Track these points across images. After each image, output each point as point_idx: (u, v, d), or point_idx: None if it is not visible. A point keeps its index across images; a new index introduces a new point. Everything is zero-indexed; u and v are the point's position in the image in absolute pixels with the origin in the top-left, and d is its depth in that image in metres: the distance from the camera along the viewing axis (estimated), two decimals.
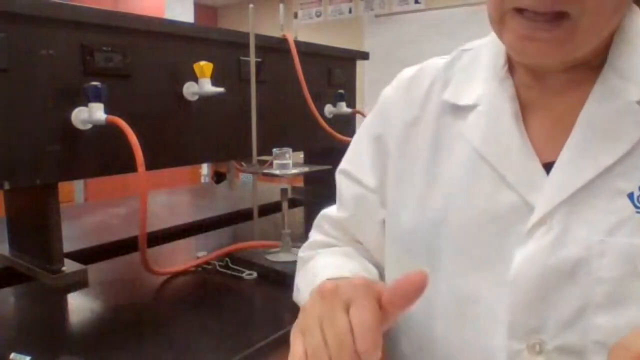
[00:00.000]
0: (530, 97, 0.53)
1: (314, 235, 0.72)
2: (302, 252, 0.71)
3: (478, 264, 0.51)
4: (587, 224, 0.46)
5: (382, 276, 0.64)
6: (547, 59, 0.47)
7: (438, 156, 0.56)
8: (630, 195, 0.45)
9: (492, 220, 0.50)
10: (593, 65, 0.50)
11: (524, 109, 0.53)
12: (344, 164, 0.68)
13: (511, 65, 0.55)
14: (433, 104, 0.58)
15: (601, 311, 0.45)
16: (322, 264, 0.62)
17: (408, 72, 0.64)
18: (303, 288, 0.63)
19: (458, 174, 0.54)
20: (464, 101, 0.55)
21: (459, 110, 0.56)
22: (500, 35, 0.49)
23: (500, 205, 0.50)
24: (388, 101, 0.64)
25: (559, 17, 0.44)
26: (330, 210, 0.70)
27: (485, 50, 0.58)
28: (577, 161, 0.48)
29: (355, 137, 0.69)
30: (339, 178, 0.68)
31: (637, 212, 0.45)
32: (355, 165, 0.66)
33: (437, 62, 0.62)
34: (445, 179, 0.55)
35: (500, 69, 0.54)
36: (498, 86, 0.54)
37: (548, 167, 0.49)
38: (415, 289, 0.40)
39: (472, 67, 0.58)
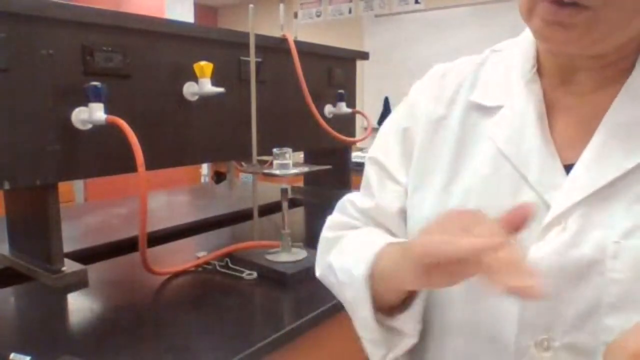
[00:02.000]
0: (558, 99, 0.54)
1: (338, 217, 0.70)
2: (327, 233, 0.68)
3: None
4: (603, 225, 0.46)
5: None
6: (569, 46, 0.47)
7: (462, 153, 0.57)
8: None
9: None
10: (623, 67, 0.50)
11: (551, 110, 0.53)
12: (373, 152, 0.68)
13: (540, 67, 0.56)
14: (460, 102, 0.59)
15: (612, 312, 0.45)
16: (368, 237, 0.60)
17: (439, 69, 0.65)
18: (351, 260, 0.58)
19: (480, 172, 0.54)
20: (491, 102, 0.56)
21: (485, 111, 0.57)
22: (529, 23, 0.50)
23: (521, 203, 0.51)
24: (417, 96, 0.65)
25: (580, 8, 0.44)
26: (355, 197, 0.69)
27: (515, 51, 0.58)
28: (597, 163, 0.48)
29: (383, 128, 0.69)
30: (368, 165, 0.68)
31: None
32: (384, 154, 0.66)
33: (468, 61, 0.63)
34: (467, 175, 0.56)
35: (529, 71, 0.55)
36: (525, 87, 0.54)
37: (569, 168, 0.50)
38: (524, 214, 0.43)
39: (501, 67, 0.58)
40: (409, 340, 0.55)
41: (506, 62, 0.58)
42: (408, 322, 0.53)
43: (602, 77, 0.51)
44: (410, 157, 0.63)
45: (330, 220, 0.70)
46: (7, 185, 0.94)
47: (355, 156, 3.44)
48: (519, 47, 0.58)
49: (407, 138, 0.64)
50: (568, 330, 0.47)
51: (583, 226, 0.47)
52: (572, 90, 0.53)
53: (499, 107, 0.56)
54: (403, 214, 0.63)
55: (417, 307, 0.53)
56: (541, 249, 0.48)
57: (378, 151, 0.67)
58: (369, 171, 0.68)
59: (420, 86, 0.66)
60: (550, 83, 0.54)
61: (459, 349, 0.54)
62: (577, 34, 0.45)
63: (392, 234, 0.64)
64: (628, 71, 0.50)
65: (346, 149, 1.84)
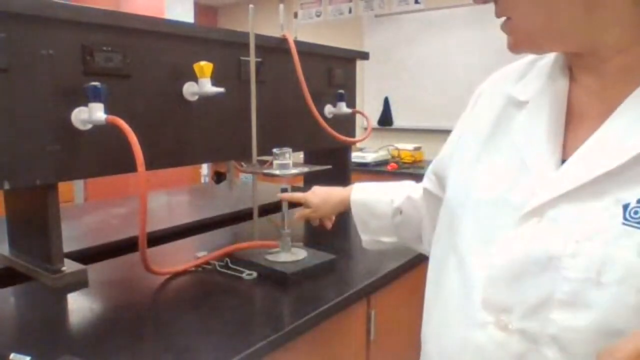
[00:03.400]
0: (582, 96, 0.56)
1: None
2: None
3: (484, 240, 0.55)
4: (571, 223, 0.48)
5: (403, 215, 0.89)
6: (520, 51, 0.55)
7: (490, 143, 0.61)
8: (626, 206, 0.46)
9: (506, 205, 0.54)
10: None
11: (573, 107, 0.56)
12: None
13: (572, 67, 0.58)
14: (503, 97, 0.63)
15: (560, 308, 0.48)
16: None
17: (500, 70, 0.70)
18: None
19: (497, 160, 0.59)
20: (522, 96, 0.60)
21: (517, 104, 0.60)
22: None
23: (516, 192, 0.54)
24: (472, 100, 0.70)
25: (507, 18, 0.53)
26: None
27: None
28: (584, 162, 0.49)
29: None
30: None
31: (624, 224, 0.45)
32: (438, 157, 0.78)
33: (525, 59, 0.66)
34: (487, 163, 0.60)
35: (559, 68, 0.58)
36: (551, 84, 0.58)
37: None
38: None
39: (545, 66, 0.61)
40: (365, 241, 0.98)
41: (550, 61, 0.61)
42: (363, 234, 0.97)
43: (620, 76, 0.51)
44: (452, 153, 0.70)
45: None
46: (7, 185, 0.94)
47: (355, 156, 3.45)
48: None
49: (454, 137, 0.71)
50: (522, 316, 0.50)
51: (554, 222, 0.49)
52: (594, 89, 0.54)
53: (526, 102, 0.59)
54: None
55: (360, 229, 0.96)
56: (514, 236, 0.51)
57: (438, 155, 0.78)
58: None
59: (479, 89, 0.71)
60: (577, 82, 0.57)
61: (444, 318, 0.60)
62: (514, 39, 0.53)
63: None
64: None
65: (346, 149, 1.84)
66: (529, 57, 0.65)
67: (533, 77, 0.61)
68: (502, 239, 0.52)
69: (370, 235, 0.96)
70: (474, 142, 0.63)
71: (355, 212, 0.97)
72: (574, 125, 0.55)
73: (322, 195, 1.04)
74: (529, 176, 0.53)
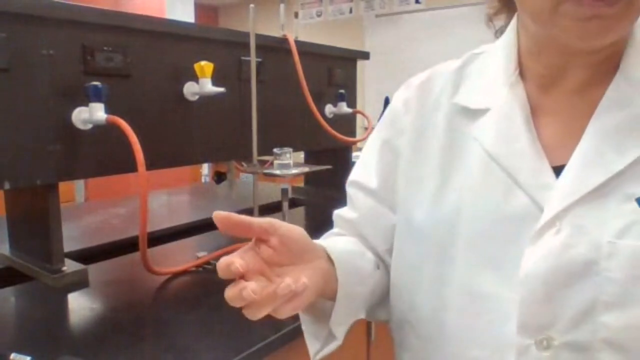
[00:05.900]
0: (541, 102, 0.54)
1: (332, 230, 0.72)
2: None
3: (489, 261, 0.52)
4: (596, 226, 0.47)
5: (383, 266, 0.65)
6: (607, 36, 0.47)
7: (450, 158, 0.57)
8: (639, 200, 0.46)
9: (504, 220, 0.51)
10: (608, 67, 0.51)
11: (534, 114, 0.54)
12: (354, 175, 0.69)
13: (523, 69, 0.56)
14: (444, 107, 0.59)
15: (610, 310, 0.46)
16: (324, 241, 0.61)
17: (417, 78, 0.66)
18: None
19: (470, 175, 0.55)
20: (476, 105, 0.57)
21: (470, 114, 0.57)
22: (549, 24, 0.48)
23: (512, 206, 0.51)
24: (397, 108, 0.65)
25: None
26: (342, 211, 0.70)
27: (496, 55, 0.59)
28: (587, 165, 0.49)
29: (365, 147, 0.70)
30: (350, 190, 0.69)
31: None
32: (365, 175, 0.67)
33: (448, 65, 0.63)
34: (458, 179, 0.56)
35: (512, 74, 0.56)
36: (509, 90, 0.55)
37: (557, 170, 0.50)
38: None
39: (484, 70, 0.59)
40: (337, 342, 0.59)
41: (488, 65, 0.59)
42: (336, 327, 0.57)
43: (588, 77, 0.51)
44: (395, 168, 0.63)
45: (327, 233, 0.71)
46: (7, 185, 0.94)
47: (356, 156, 3.45)
48: (500, 50, 0.58)
49: (388, 150, 0.64)
50: (567, 329, 0.48)
51: (577, 227, 0.48)
52: (558, 92, 0.53)
53: (484, 110, 0.56)
54: (392, 230, 0.63)
55: (338, 314, 0.56)
56: (536, 251, 0.49)
57: (359, 175, 0.67)
58: (352, 195, 0.68)
59: (400, 98, 0.66)
60: (534, 85, 0.55)
61: (461, 354, 0.54)
62: (616, 20, 0.45)
63: (376, 247, 0.65)
64: (612, 73, 0.50)
65: (347, 149, 1.84)
66: (449, 65, 0.62)
67: (475, 84, 0.58)
68: (524, 255, 0.49)
69: (348, 317, 0.59)
70: (428, 157, 0.58)
71: (342, 272, 0.55)
72: (546, 130, 0.53)
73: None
74: (519, 187, 0.51)
